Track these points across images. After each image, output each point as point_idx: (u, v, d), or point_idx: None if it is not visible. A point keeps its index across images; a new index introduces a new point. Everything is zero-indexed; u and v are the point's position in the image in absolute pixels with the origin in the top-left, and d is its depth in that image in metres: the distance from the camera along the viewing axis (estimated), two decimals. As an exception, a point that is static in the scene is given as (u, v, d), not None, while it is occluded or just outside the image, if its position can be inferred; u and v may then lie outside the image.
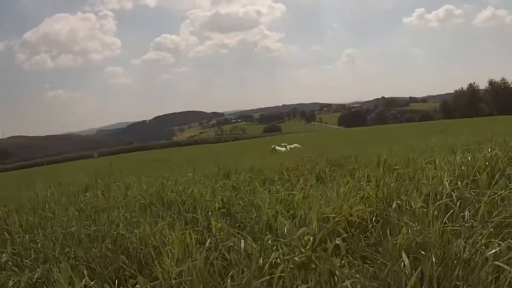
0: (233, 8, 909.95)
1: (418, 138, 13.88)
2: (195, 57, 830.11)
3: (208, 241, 2.60)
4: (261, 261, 2.17)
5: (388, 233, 2.36)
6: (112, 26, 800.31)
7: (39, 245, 3.08)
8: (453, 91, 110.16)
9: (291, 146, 17.78)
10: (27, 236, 3.38)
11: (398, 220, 2.48)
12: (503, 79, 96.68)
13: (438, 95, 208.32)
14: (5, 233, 3.53)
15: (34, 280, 2.56)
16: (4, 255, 2.96)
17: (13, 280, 2.52)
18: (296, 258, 2.18)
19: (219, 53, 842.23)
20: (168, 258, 2.33)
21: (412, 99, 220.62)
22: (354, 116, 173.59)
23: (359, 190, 3.23)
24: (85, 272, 2.52)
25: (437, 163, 4.16)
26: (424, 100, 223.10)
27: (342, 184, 3.40)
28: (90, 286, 2.33)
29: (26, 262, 2.84)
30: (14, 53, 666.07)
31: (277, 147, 16.95)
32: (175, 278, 2.21)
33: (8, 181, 17.95)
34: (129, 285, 2.41)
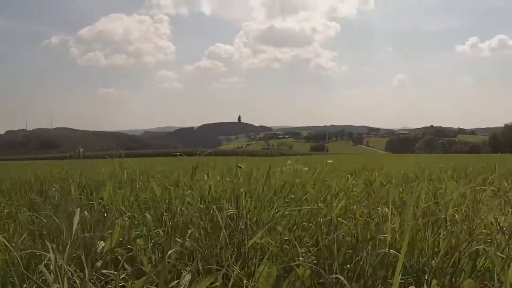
0: (288, 24, 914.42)
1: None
2: (247, 69, 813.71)
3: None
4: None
5: None
6: (167, 31, 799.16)
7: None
8: (502, 125, 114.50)
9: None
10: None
11: None
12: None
13: (487, 128, 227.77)
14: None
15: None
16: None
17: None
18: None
19: (271, 67, 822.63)
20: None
21: (461, 130, 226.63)
22: (402, 142, 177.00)
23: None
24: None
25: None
26: (472, 132, 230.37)
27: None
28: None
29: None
30: (68, 48, 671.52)
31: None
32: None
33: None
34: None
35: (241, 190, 2.17)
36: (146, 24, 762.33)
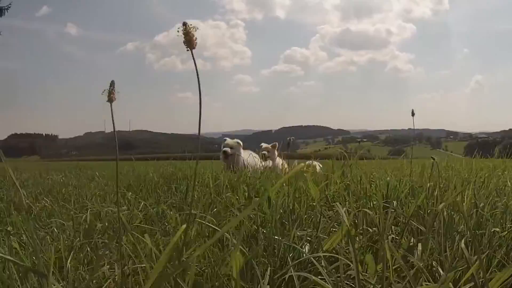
0: (363, 26, 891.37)
1: None
2: (324, 72, 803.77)
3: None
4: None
5: None
6: (243, 36, 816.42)
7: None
8: None
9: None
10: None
11: None
12: None
13: None
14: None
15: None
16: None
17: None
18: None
19: (348, 70, 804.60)
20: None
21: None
22: (480, 146, 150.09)
23: None
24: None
25: None
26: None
27: None
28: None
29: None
30: (145, 53, 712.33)
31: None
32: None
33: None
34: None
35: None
36: (222, 29, 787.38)
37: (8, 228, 2.33)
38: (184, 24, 0.99)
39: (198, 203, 2.08)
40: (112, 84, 1.04)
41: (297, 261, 1.29)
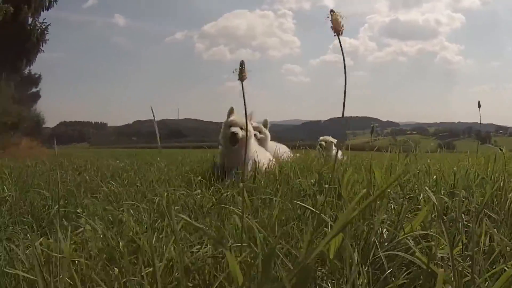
0: (412, 16, 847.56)
1: None
2: (373, 62, 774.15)
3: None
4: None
5: None
6: (291, 25, 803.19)
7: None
8: None
9: None
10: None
11: None
12: None
13: None
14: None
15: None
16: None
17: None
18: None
19: (398, 61, 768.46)
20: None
21: None
22: None
23: None
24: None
25: None
26: None
27: None
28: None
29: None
30: (193, 43, 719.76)
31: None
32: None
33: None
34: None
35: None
36: (270, 19, 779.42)
37: (78, 210, 2.48)
38: (332, 11, 1.08)
39: (266, 188, 2.13)
40: (242, 64, 1.14)
41: (390, 242, 1.33)
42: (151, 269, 1.13)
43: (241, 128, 3.88)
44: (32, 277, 1.13)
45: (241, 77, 1.13)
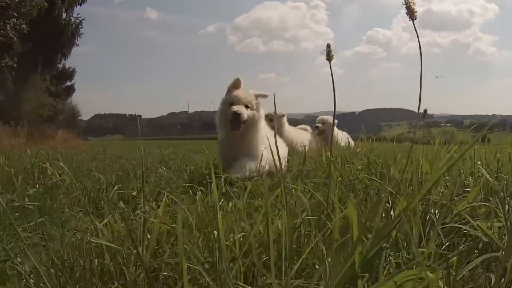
0: (445, 6, 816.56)
1: None
2: (407, 54, 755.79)
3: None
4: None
5: None
6: (324, 16, 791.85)
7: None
8: None
9: None
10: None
11: None
12: None
13: None
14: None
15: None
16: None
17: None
18: None
19: (431, 52, 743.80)
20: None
21: None
22: None
23: None
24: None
25: None
26: None
27: None
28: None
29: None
30: (225, 35, 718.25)
31: None
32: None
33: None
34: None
35: None
36: (302, 10, 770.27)
37: (133, 192, 2.59)
38: (406, -1, 1.13)
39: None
40: (328, 46, 1.24)
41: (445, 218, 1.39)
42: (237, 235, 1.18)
43: (247, 107, 3.04)
44: (116, 246, 1.21)
45: (329, 57, 1.22)
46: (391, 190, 1.48)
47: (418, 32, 1.13)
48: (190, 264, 1.06)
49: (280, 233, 1.09)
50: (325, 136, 6.26)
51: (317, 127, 6.37)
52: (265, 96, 3.13)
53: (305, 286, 0.98)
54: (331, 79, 1.26)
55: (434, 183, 1.10)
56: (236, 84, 3.09)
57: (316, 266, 1.09)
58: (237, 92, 3.07)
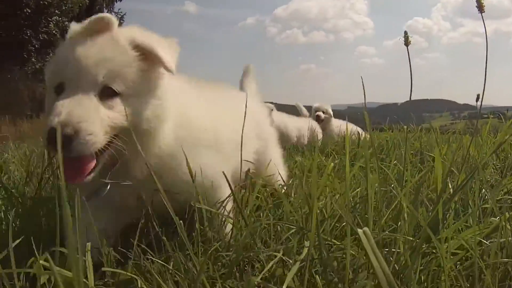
0: None
1: None
2: (448, 43, 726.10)
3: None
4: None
5: None
6: (363, 7, 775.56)
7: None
8: None
9: None
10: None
11: None
12: None
13: None
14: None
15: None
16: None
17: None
18: None
19: (473, 41, 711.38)
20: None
21: None
22: None
23: None
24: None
25: None
26: None
27: None
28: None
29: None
30: (265, 27, 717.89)
31: None
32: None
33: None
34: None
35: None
36: (342, 1, 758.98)
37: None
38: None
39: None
40: (406, 33, 1.36)
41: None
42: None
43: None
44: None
45: (407, 43, 1.33)
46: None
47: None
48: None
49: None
50: (323, 125, 6.32)
51: (318, 116, 6.41)
52: None
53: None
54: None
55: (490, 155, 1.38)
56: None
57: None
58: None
